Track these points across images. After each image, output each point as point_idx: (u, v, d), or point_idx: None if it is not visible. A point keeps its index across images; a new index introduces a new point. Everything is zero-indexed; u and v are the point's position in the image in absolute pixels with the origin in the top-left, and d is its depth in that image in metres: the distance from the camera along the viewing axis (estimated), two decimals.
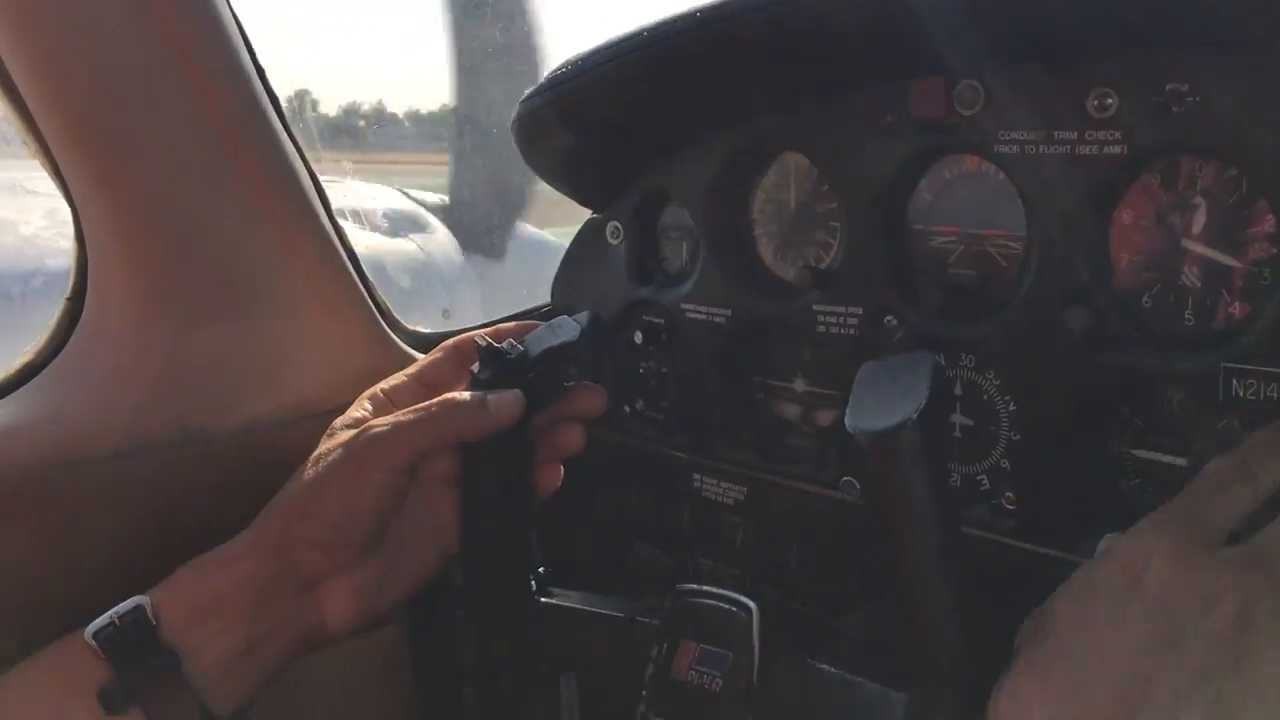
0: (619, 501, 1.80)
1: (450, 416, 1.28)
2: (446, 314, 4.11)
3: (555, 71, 1.53)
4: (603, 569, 1.83)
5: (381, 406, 1.40)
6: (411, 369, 1.48)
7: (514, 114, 1.59)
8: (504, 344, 1.34)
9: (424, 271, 4.17)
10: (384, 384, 1.45)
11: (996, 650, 1.05)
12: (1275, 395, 1.12)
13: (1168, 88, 1.15)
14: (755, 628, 1.17)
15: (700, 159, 1.60)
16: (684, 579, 1.67)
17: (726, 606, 1.20)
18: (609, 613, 1.32)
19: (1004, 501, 1.36)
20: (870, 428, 0.99)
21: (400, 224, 4.37)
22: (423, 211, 4.59)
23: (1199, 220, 1.20)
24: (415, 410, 1.29)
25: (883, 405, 1.01)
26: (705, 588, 1.24)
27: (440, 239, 4.46)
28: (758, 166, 1.60)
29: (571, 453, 1.44)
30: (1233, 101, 1.11)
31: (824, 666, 1.15)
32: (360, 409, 1.39)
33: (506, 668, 1.38)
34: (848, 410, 1.03)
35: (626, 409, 1.79)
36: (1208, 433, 1.21)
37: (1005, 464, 1.38)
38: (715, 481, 1.66)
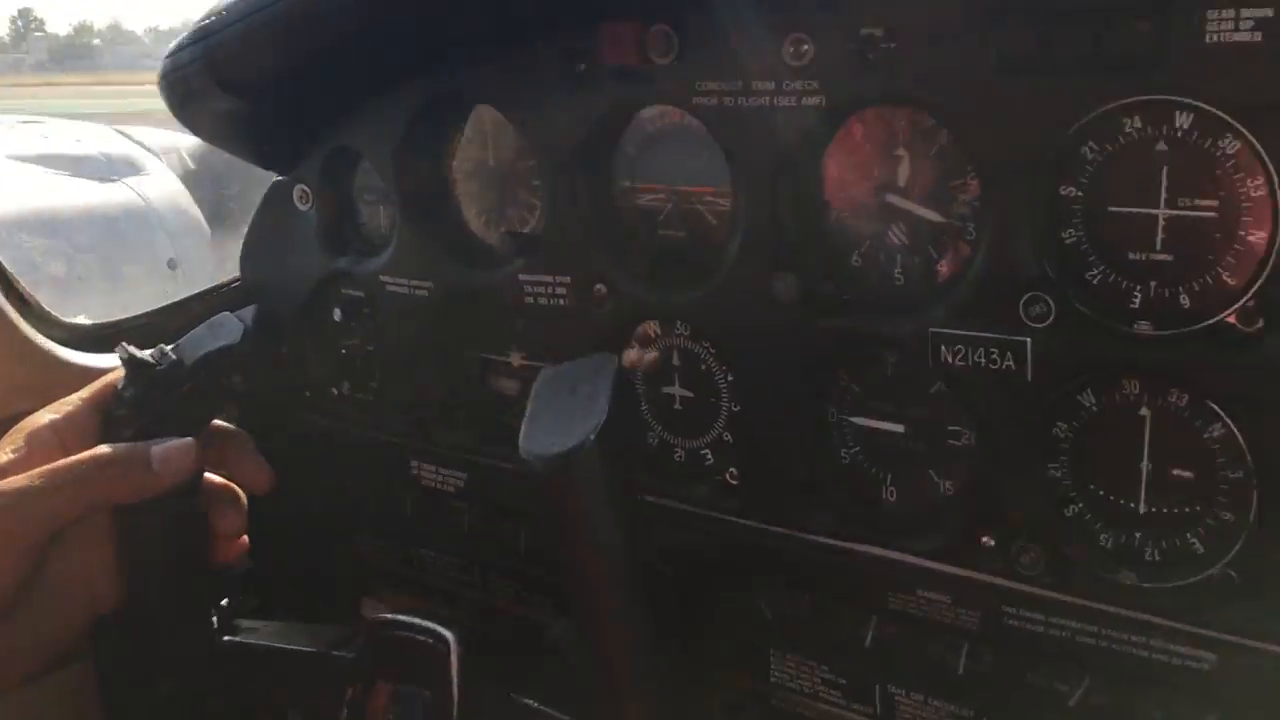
0: (335, 493, 1.64)
1: (104, 479, 1.04)
2: (172, 264, 3.77)
3: (202, 21, 1.32)
4: (320, 569, 1.68)
5: (42, 446, 1.08)
6: (89, 391, 1.15)
7: (159, 71, 1.37)
8: (152, 353, 1.14)
9: (140, 220, 3.78)
10: (50, 412, 1.12)
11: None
12: (983, 361, 1.06)
13: (862, 33, 1.05)
14: (454, 661, 1.05)
15: (387, 113, 1.43)
16: (410, 571, 1.55)
17: (423, 639, 1.08)
18: (298, 648, 1.17)
19: (727, 477, 1.28)
20: (544, 452, 0.87)
21: (112, 167, 3.95)
22: (140, 152, 4.17)
23: (903, 174, 1.12)
24: (59, 470, 1.03)
25: (560, 422, 0.89)
26: (399, 618, 1.11)
27: (161, 182, 4.06)
28: (451, 121, 1.44)
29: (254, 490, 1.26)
30: (928, 48, 1.02)
31: (527, 701, 1.04)
32: (3, 453, 1.07)
33: (191, 713, 1.21)
34: (522, 430, 0.91)
35: (334, 392, 1.62)
36: (921, 399, 1.15)
37: (727, 437, 1.29)
38: (434, 468, 1.52)
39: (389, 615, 1.11)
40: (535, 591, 1.46)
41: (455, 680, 1.04)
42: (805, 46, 1.09)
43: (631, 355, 1.32)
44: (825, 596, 1.22)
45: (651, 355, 1.32)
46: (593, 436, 0.86)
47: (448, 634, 1.06)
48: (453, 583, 1.54)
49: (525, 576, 1.46)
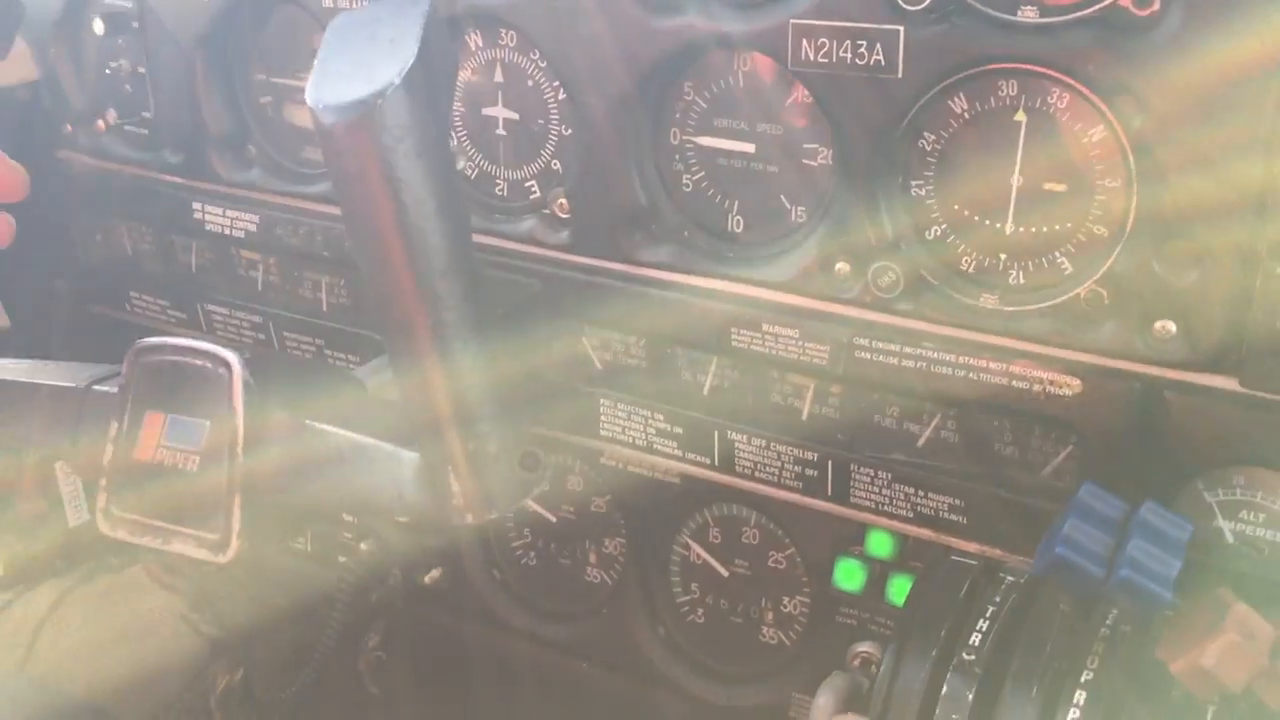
0: (108, 241, 1.43)
1: None
2: None
3: None
4: (90, 336, 1.48)
5: None
6: None
7: None
8: None
9: None
10: None
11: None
12: (849, 57, 0.93)
13: None
14: (237, 387, 0.90)
15: None
16: (196, 333, 1.37)
17: (200, 363, 0.92)
18: (55, 383, 0.99)
19: (556, 210, 1.14)
20: (337, 101, 0.71)
21: None
22: None
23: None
24: None
25: (357, 68, 0.72)
26: (171, 341, 0.94)
27: None
28: None
29: None
30: None
31: (324, 427, 0.90)
32: None
33: None
34: (309, 80, 0.74)
35: (100, 124, 1.39)
36: (773, 113, 1.03)
37: (556, 165, 1.15)
38: (220, 210, 1.32)
39: (159, 339, 0.94)
40: (340, 349, 1.30)
41: (239, 409, 0.89)
42: None
43: None
44: (661, 338, 1.11)
45: None
46: (398, 80, 0.69)
47: (230, 356, 0.90)
48: (245, 344, 1.36)
49: (329, 333, 1.30)
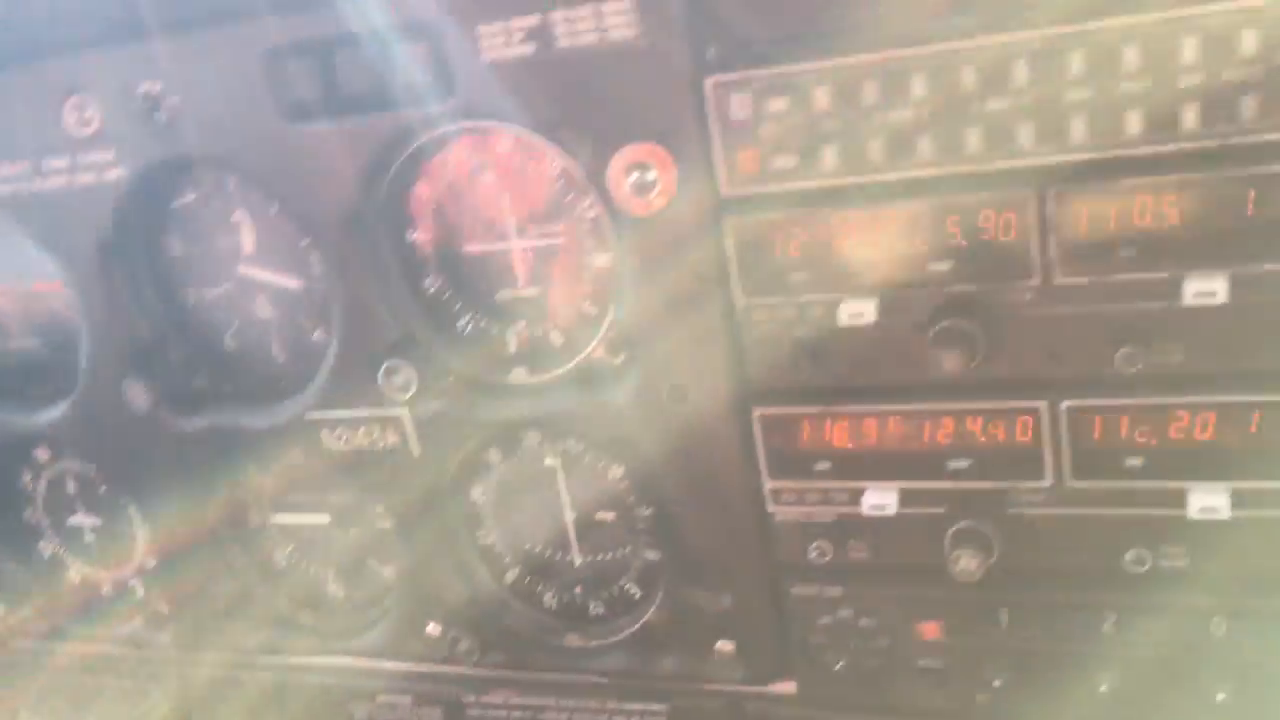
0: None
1: None
2: None
3: None
4: None
5: None
6: None
7: None
8: None
9: None
10: None
11: None
12: (367, 443, 0.92)
13: (141, 90, 0.88)
14: None
15: None
16: None
17: None
18: None
19: (161, 609, 1.09)
20: None
21: None
22: None
23: (248, 240, 0.96)
24: None
25: None
26: None
27: None
28: None
29: None
30: (215, 102, 0.86)
31: None
32: None
33: None
34: None
35: None
36: (341, 483, 1.01)
37: (150, 563, 1.10)
38: None
39: None
40: None
41: None
42: (88, 112, 0.91)
43: None
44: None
45: None
46: None
47: None
48: None
49: None
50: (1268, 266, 0.64)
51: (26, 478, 1.13)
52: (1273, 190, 0.63)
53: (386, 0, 0.77)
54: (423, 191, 0.87)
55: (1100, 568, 0.76)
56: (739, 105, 0.72)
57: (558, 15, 0.74)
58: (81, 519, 1.12)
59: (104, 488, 1.09)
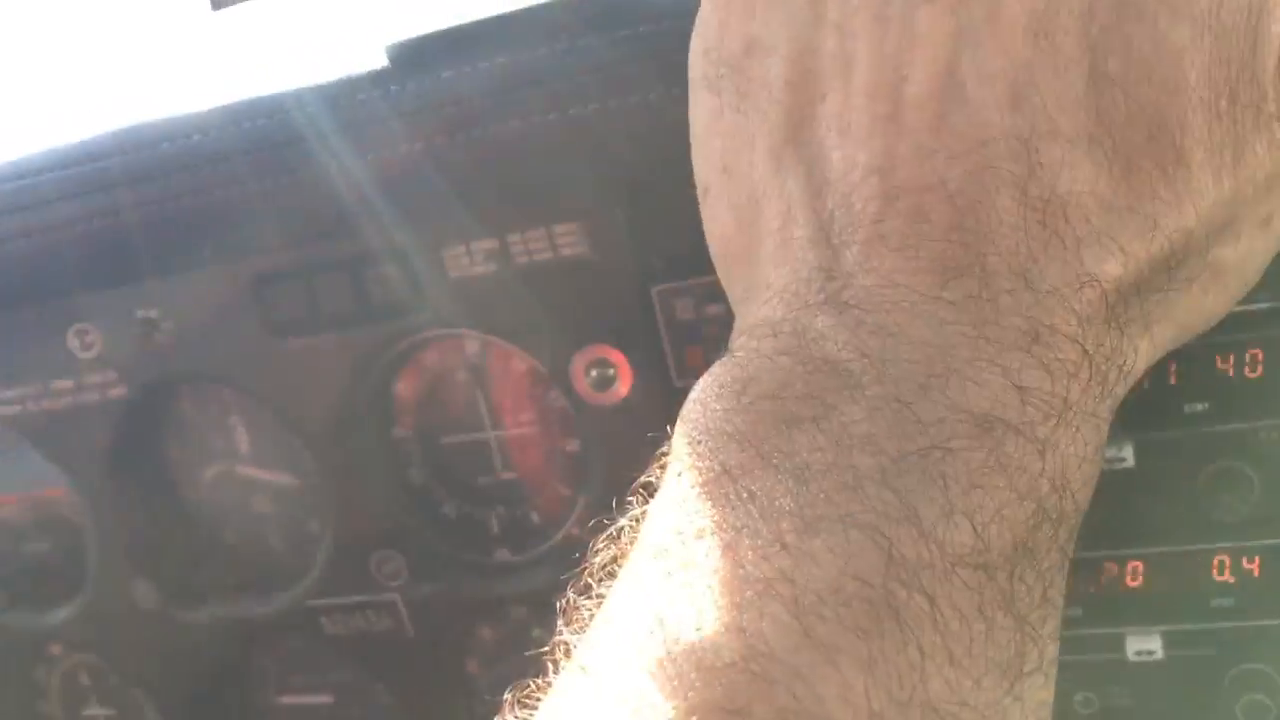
0: None
1: None
2: None
3: None
4: None
5: None
6: None
7: None
8: None
9: None
10: None
11: None
12: (365, 626, 0.98)
13: (139, 315, 0.96)
14: None
15: None
16: None
17: None
18: None
19: None
20: None
21: None
22: None
23: (243, 441, 1.03)
24: None
25: None
26: None
27: None
28: None
29: None
30: (205, 324, 0.94)
31: None
32: None
33: None
34: None
35: None
36: (341, 664, 1.06)
37: None
38: None
39: None
40: None
41: None
42: (90, 337, 0.98)
43: None
44: None
45: None
46: None
47: None
48: None
49: None
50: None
51: (40, 672, 1.17)
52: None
53: (361, 231, 0.86)
54: (404, 391, 0.95)
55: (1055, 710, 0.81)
56: (682, 309, 0.80)
57: (514, 238, 0.83)
58: (95, 710, 1.16)
59: (115, 679, 1.13)
